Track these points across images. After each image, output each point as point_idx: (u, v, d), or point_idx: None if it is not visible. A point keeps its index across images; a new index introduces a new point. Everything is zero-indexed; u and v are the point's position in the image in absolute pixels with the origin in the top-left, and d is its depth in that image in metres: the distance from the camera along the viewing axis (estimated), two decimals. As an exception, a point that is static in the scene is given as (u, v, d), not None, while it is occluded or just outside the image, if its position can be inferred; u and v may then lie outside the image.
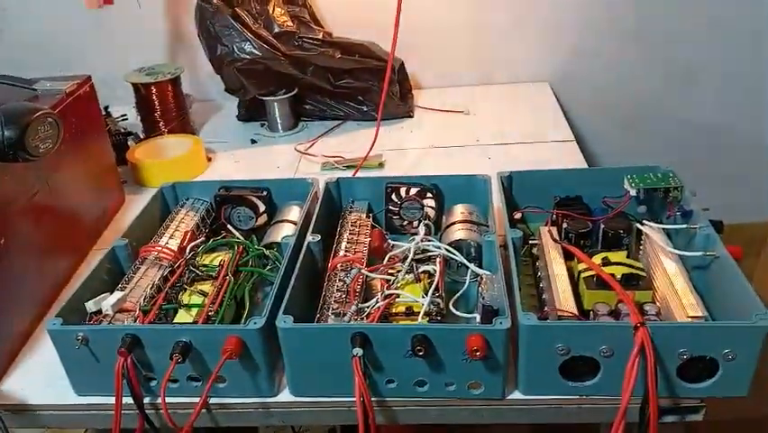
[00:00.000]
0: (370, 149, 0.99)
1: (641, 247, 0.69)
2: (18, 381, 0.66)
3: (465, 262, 0.68)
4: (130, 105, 1.14)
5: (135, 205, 0.93)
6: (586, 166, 0.97)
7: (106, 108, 1.10)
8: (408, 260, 0.67)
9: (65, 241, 0.80)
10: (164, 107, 1.11)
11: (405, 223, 0.80)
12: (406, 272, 0.66)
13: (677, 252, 0.65)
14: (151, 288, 0.66)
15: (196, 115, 1.22)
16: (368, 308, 0.62)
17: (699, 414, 0.59)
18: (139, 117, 1.14)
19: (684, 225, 0.67)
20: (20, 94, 0.79)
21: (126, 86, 1.11)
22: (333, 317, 0.61)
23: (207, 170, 1.06)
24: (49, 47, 1.27)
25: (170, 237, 0.74)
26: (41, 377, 0.65)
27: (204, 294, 0.66)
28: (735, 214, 0.82)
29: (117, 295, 0.64)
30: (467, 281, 0.68)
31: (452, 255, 0.69)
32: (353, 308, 0.61)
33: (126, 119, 1.14)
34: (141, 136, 1.13)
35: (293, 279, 0.62)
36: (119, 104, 1.15)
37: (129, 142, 1.09)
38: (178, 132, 1.12)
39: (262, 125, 1.20)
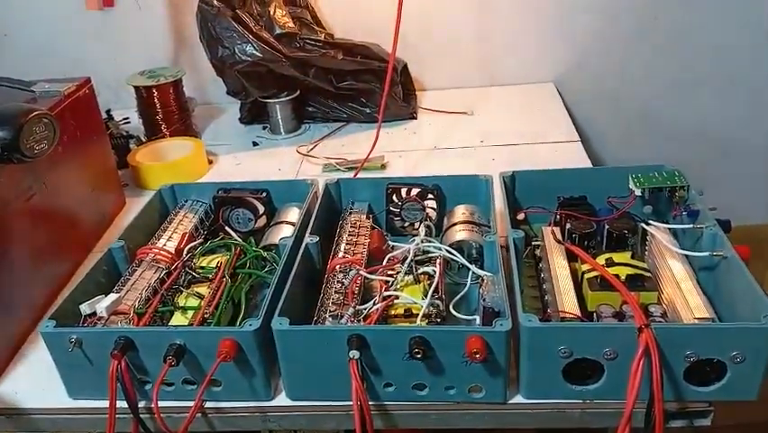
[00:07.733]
0: (371, 150, 0.98)
1: (646, 248, 0.68)
2: (12, 384, 0.65)
3: (466, 263, 0.67)
4: (132, 110, 1.14)
5: (136, 208, 0.91)
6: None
7: (108, 112, 1.10)
8: (408, 261, 0.65)
9: (63, 244, 0.79)
10: (166, 110, 1.11)
11: (406, 224, 0.79)
12: (406, 274, 0.65)
13: (683, 252, 0.63)
14: (147, 290, 0.66)
15: (199, 119, 1.22)
16: (366, 309, 0.60)
17: (708, 418, 0.57)
18: (141, 120, 1.13)
19: (691, 225, 0.65)
20: (18, 96, 0.78)
21: (129, 90, 1.11)
22: (330, 319, 0.60)
23: (209, 172, 1.06)
24: (51, 52, 1.28)
25: (168, 239, 0.74)
26: (36, 381, 0.65)
27: (200, 296, 0.65)
28: (742, 216, 0.80)
29: (112, 297, 0.63)
30: (468, 283, 0.66)
31: (452, 257, 0.67)
32: (351, 309, 0.60)
33: (129, 122, 1.14)
34: (143, 139, 1.12)
35: (290, 280, 0.61)
36: (122, 107, 1.15)
37: (131, 145, 1.09)
38: (180, 135, 1.12)
39: (264, 128, 1.19)
